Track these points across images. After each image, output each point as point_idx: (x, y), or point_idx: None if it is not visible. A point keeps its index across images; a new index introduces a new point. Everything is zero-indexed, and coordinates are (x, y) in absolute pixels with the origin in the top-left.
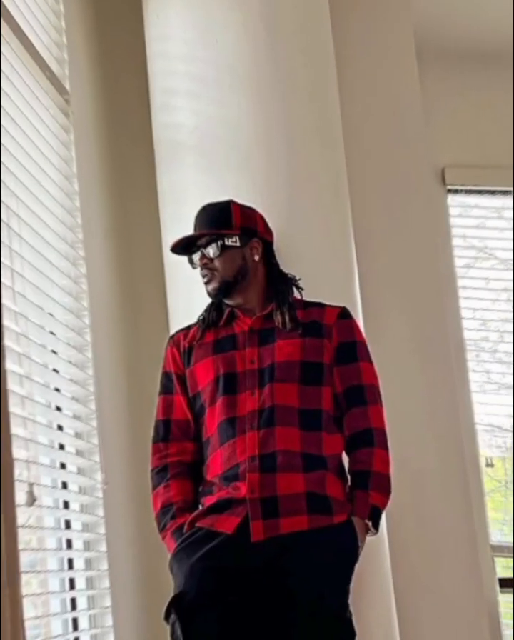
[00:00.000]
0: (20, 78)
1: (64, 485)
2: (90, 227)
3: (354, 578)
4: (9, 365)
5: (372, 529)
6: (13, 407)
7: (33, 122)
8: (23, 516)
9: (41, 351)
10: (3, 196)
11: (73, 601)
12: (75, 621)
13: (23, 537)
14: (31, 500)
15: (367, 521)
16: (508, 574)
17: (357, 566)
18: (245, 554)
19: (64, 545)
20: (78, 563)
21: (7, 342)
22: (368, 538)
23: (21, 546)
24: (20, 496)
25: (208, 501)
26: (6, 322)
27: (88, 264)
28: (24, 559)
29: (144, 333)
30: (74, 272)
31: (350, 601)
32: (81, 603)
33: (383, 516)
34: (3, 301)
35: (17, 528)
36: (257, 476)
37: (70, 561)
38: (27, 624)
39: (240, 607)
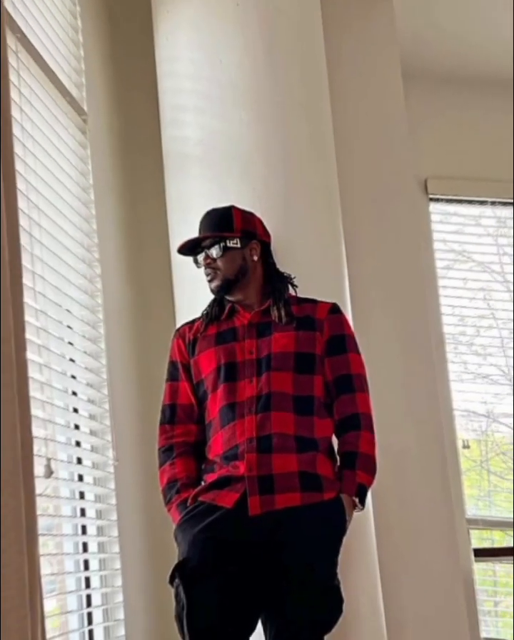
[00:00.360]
0: (42, 103)
1: (79, 460)
2: (104, 232)
3: (342, 549)
4: (30, 355)
5: (359, 505)
6: (33, 392)
7: (54, 141)
8: (41, 486)
9: (58, 343)
10: (25, 207)
11: (85, 562)
12: (87, 579)
13: (41, 504)
14: (49, 472)
15: (354, 498)
16: (482, 545)
17: (345, 539)
18: (243, 527)
19: (78, 513)
20: (91, 530)
21: (28, 335)
22: (355, 514)
23: (39, 512)
24: (39, 469)
25: (209, 477)
26: (27, 318)
27: (102, 265)
28: (42, 524)
29: (152, 326)
30: (89, 273)
31: (338, 570)
32: (93, 564)
33: (369, 493)
34: (25, 299)
35: (35, 496)
36: (254, 456)
37: (83, 528)
38: (44, 580)
39: (238, 575)
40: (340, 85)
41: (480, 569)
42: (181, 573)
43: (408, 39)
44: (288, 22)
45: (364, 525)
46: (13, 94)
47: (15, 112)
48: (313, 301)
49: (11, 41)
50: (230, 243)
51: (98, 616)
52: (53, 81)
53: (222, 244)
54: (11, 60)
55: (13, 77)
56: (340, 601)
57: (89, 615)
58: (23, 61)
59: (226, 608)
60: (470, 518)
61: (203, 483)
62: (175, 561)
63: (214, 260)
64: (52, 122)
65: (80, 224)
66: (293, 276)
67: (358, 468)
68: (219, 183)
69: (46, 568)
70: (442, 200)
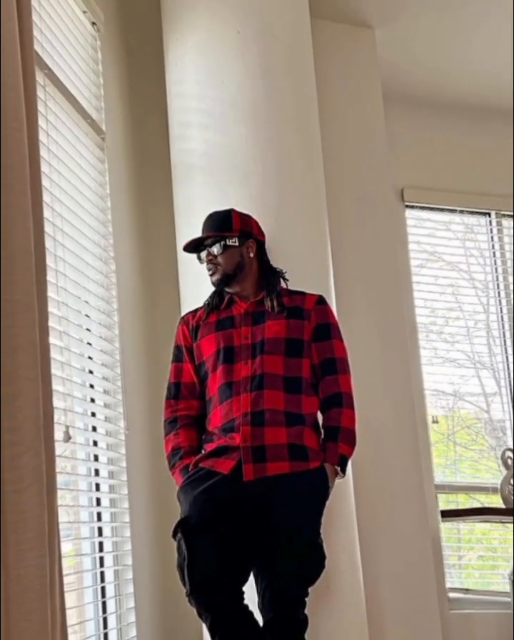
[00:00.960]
0: (66, 127)
1: (94, 428)
2: (118, 234)
3: (325, 512)
4: (52, 340)
5: (340, 473)
6: (55, 370)
7: (76, 158)
8: (60, 448)
9: (77, 329)
10: (50, 216)
11: (98, 514)
12: (100, 529)
13: (60, 464)
14: (67, 437)
15: (336, 467)
16: (448, 507)
17: (327, 503)
18: (238, 491)
19: (93, 473)
20: (104, 488)
21: (51, 323)
22: (337, 481)
23: (58, 470)
24: (58, 434)
25: (209, 446)
26: (50, 309)
27: (117, 262)
28: (60, 480)
29: (160, 314)
30: (105, 269)
31: (321, 530)
32: (105, 517)
33: (349, 463)
34: (49, 293)
35: (55, 456)
36: (249, 429)
37: (97, 485)
38: (61, 526)
39: (232, 532)
40: (328, 105)
41: (446, 528)
42: (183, 529)
43: (388, 66)
44: (282, 49)
45: (344, 490)
46: (41, 122)
47: (42, 136)
48: (302, 293)
49: (39, 77)
50: (229, 242)
51: (109, 561)
52: (75, 107)
53: (222, 243)
54: (40, 93)
55: (41, 107)
56: (322, 557)
57: (101, 559)
58: (50, 94)
59: (222, 561)
60: (437, 484)
61: (203, 452)
62: (178, 519)
63: (215, 256)
64: (74, 142)
65: (97, 228)
66: (284, 271)
67: (340, 440)
68: (220, 189)
69: (63, 517)
70: (416, 207)
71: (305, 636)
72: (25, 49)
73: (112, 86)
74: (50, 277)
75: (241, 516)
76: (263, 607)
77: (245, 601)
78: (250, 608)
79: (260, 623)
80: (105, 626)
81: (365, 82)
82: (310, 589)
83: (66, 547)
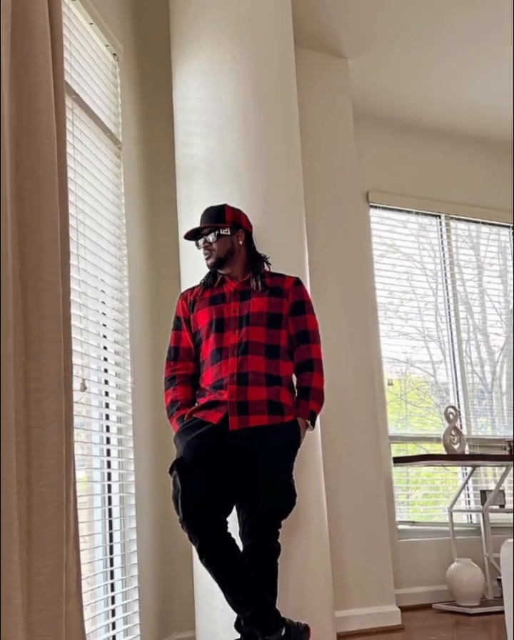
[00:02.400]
0: (88, 139)
1: (106, 382)
2: (130, 225)
3: (297, 458)
4: (73, 310)
5: (310, 426)
6: (74, 334)
7: (96, 164)
8: (77, 396)
9: (94, 302)
10: (74, 212)
11: (108, 451)
12: (108, 462)
13: (77, 408)
14: (83, 388)
15: (307, 421)
16: (399, 454)
17: (299, 450)
18: (225, 438)
19: (104, 417)
20: (113, 429)
21: (73, 297)
22: (308, 432)
23: (74, 413)
24: (76, 385)
25: (202, 400)
26: (72, 285)
27: (129, 248)
28: (77, 421)
29: (163, 290)
30: (119, 253)
31: (293, 473)
32: (113, 453)
33: (318, 418)
34: (72, 274)
35: (73, 402)
36: (235, 387)
37: (107, 427)
38: (76, 457)
39: (219, 472)
40: (307, 120)
41: (397, 471)
42: (178, 467)
43: (358, 91)
44: (271, 72)
45: (314, 440)
46: (69, 137)
47: (69, 149)
48: (282, 276)
49: (68, 102)
50: (222, 232)
51: (115, 488)
52: (97, 123)
53: (217, 232)
54: (68, 114)
55: (69, 126)
56: (294, 495)
57: (109, 486)
58: (77, 114)
59: (209, 495)
60: (391, 435)
61: (196, 404)
62: (174, 459)
63: (210, 243)
64: (96, 152)
65: (113, 220)
66: (268, 257)
67: (310, 399)
68: (217, 188)
69: (78, 450)
70: (379, 207)
71: (278, 561)
72: (57, 80)
73: (128, 104)
74: (73, 261)
75: (227, 458)
76: (243, 535)
77: (228, 530)
78: (232, 536)
79: (241, 548)
80: (110, 540)
81: (339, 103)
82: (283, 522)
83: (79, 474)
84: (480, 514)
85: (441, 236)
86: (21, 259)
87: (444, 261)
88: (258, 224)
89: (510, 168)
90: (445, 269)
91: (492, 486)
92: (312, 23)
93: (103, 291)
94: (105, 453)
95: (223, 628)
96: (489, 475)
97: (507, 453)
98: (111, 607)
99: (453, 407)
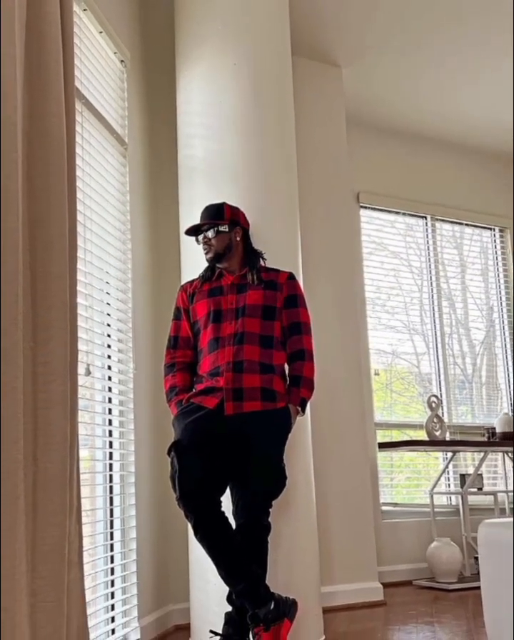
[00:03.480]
0: (96, 140)
1: (109, 367)
2: (135, 220)
3: (288, 442)
4: (79, 300)
5: (301, 412)
6: (80, 322)
7: (103, 163)
8: (82, 380)
9: (99, 292)
10: (82, 208)
11: (110, 431)
12: (110, 443)
13: (82, 391)
14: (88, 372)
15: (298, 407)
16: (384, 440)
17: (290, 435)
18: (221, 422)
19: (107, 400)
20: (115, 412)
21: (79, 288)
22: (298, 418)
23: (79, 396)
24: (81, 370)
25: (199, 386)
26: (79, 277)
27: (133, 242)
28: (81, 403)
29: (165, 283)
30: (123, 247)
31: (284, 456)
32: (116, 434)
33: (308, 405)
34: (78, 266)
35: (78, 386)
36: (231, 375)
37: (110, 410)
38: (80, 437)
39: (214, 454)
40: (302, 124)
41: (382, 456)
42: (176, 449)
43: (351, 97)
44: (269, 78)
45: (304, 426)
46: (78, 138)
47: (78, 149)
48: (276, 270)
49: (78, 105)
50: (221, 228)
51: (116, 467)
52: (105, 125)
53: (216, 228)
54: (78, 117)
55: (78, 128)
56: (284, 477)
57: (110, 465)
58: (86, 117)
59: (205, 475)
60: (376, 422)
61: (194, 390)
62: (172, 440)
63: (210, 239)
64: (103, 152)
65: (118, 216)
66: (263, 252)
67: (301, 386)
68: (216, 187)
69: (82, 430)
70: (368, 208)
71: (268, 539)
72: (67, 85)
73: (134, 107)
74: (79, 254)
75: (222, 441)
76: (236, 514)
77: (222, 509)
78: (226, 514)
79: (234, 526)
80: (111, 515)
81: (333, 108)
82: (273, 502)
83: (83, 453)
84: (459, 497)
85: (427, 235)
86: (30, 252)
87: (429, 259)
88: (255, 222)
89: (493, 174)
90: (430, 267)
91: (471, 471)
92: (309, 34)
93: (107, 283)
94: (107, 434)
95: (216, 601)
96: (468, 460)
97: (486, 439)
98: (110, 578)
99: (435, 396)
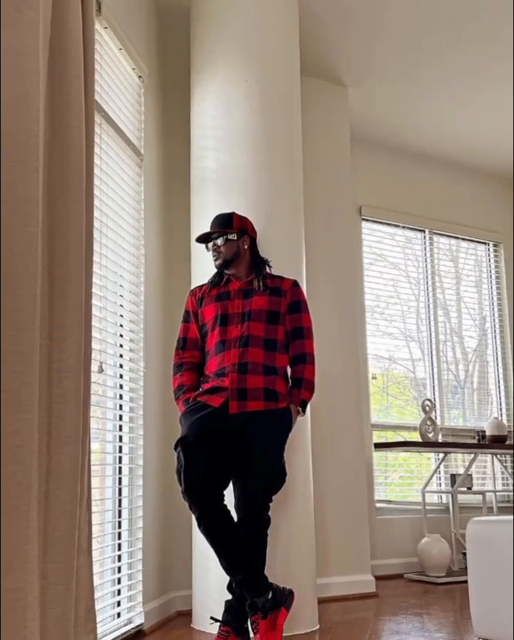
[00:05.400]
0: (114, 151)
1: (121, 365)
2: (148, 228)
3: (288, 441)
4: (94, 301)
5: (301, 413)
6: (94, 323)
7: (119, 173)
8: (95, 377)
9: (113, 295)
10: (99, 215)
11: (120, 426)
12: (120, 437)
13: (94, 388)
14: (100, 370)
15: (298, 408)
16: (380, 440)
17: (290, 434)
18: (225, 420)
19: (118, 397)
20: (126, 408)
21: (94, 290)
22: (299, 418)
23: (92, 392)
24: (95, 367)
25: (205, 386)
26: (94, 280)
27: (146, 248)
28: (93, 399)
29: (175, 287)
30: (137, 253)
31: (285, 454)
32: (125, 429)
33: (309, 406)
34: (94, 269)
35: (91, 382)
36: (236, 375)
37: (120, 406)
38: (92, 431)
39: (218, 450)
40: (309, 140)
41: (377, 456)
42: (182, 444)
43: (355, 116)
44: (278, 95)
45: (304, 425)
46: (97, 149)
47: (97, 159)
48: (281, 277)
49: (97, 118)
50: (230, 236)
51: (125, 460)
52: (122, 137)
53: (225, 236)
54: (97, 129)
55: (97, 139)
56: (284, 474)
57: (120, 457)
58: (104, 129)
59: (209, 470)
60: (373, 423)
61: (201, 389)
62: (179, 436)
63: (219, 246)
64: (120, 162)
65: (133, 223)
66: (269, 260)
67: (302, 388)
68: (226, 197)
69: (94, 424)
70: (370, 220)
71: (268, 532)
72: (88, 99)
73: (150, 121)
74: (95, 258)
75: (226, 438)
76: (238, 508)
77: (225, 503)
78: (228, 508)
79: (235, 519)
80: (119, 505)
81: (337, 126)
82: (273, 497)
83: (94, 446)
84: (450, 495)
85: (425, 248)
86: (49, 255)
87: (426, 270)
88: (262, 231)
89: (488, 191)
90: (427, 278)
91: (461, 471)
92: (316, 55)
93: (121, 286)
94: (117, 429)
95: (216, 589)
96: (459, 461)
97: (476, 442)
98: (117, 564)
99: (429, 400)
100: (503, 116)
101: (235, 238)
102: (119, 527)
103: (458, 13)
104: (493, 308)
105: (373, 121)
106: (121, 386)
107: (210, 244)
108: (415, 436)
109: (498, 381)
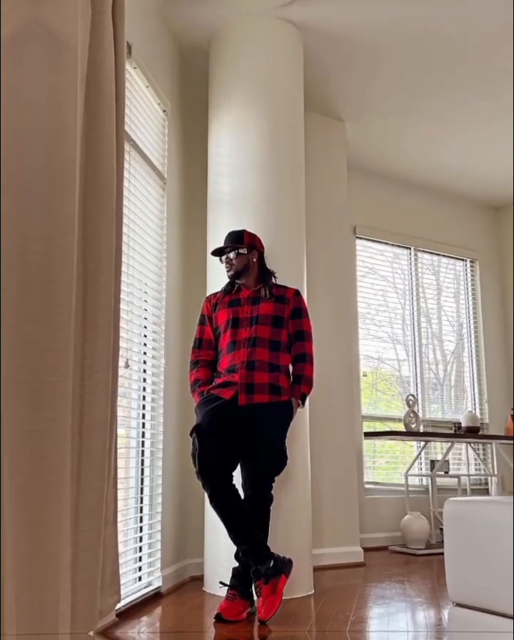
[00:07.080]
0: (141, 176)
1: (144, 362)
2: (170, 243)
3: (290, 429)
4: (122, 306)
5: (301, 405)
6: (122, 324)
7: (146, 195)
8: (122, 371)
9: (138, 300)
10: (127, 231)
11: (143, 414)
12: (143, 424)
13: (121, 381)
14: (126, 365)
15: (299, 401)
16: (369, 430)
17: (291, 424)
18: (235, 410)
19: (142, 388)
20: (148, 399)
21: (122, 296)
22: (299, 410)
23: (119, 384)
24: (122, 362)
25: (218, 380)
26: (122, 287)
27: (168, 260)
28: (120, 391)
29: (192, 294)
30: (159, 264)
31: (286, 441)
32: (148, 417)
33: (308, 399)
34: (122, 278)
35: (118, 376)
36: (245, 372)
37: (144, 397)
38: (118, 418)
39: (228, 437)
40: (311, 167)
41: (367, 443)
42: (197, 431)
43: (352, 147)
44: (284, 128)
45: (303, 417)
46: (125, 174)
47: (126, 182)
48: (285, 287)
49: (126, 146)
50: (241, 251)
51: (147, 444)
52: (148, 163)
53: (236, 251)
54: (126, 156)
55: (126, 165)
56: (285, 458)
57: (143, 442)
58: (133, 157)
59: (220, 454)
60: (363, 415)
61: (214, 383)
62: (194, 424)
63: (231, 259)
64: (146, 185)
65: (156, 238)
66: (275, 272)
67: (302, 384)
68: (237, 217)
69: (120, 412)
70: (363, 238)
71: (271, 508)
72: (118, 129)
73: (173, 149)
74: (123, 268)
75: (235, 426)
76: (244, 487)
77: (233, 482)
78: (236, 487)
79: (243, 497)
80: (141, 483)
81: (336, 155)
82: (276, 478)
83: (120, 431)
84: (429, 478)
85: (410, 263)
86: (83, 265)
87: (411, 282)
88: (269, 246)
89: (467, 214)
90: (411, 289)
91: (439, 457)
92: (318, 93)
93: (145, 292)
94: (141, 417)
95: (225, 557)
96: (438, 448)
97: (452, 432)
98: (139, 534)
99: (413, 395)
100: (483, 149)
101: (246, 252)
102: (141, 502)
103: (445, 57)
104: (469, 316)
105: (368, 153)
106: (144, 380)
107: (223, 257)
108: (400, 427)
109: (473, 379)
